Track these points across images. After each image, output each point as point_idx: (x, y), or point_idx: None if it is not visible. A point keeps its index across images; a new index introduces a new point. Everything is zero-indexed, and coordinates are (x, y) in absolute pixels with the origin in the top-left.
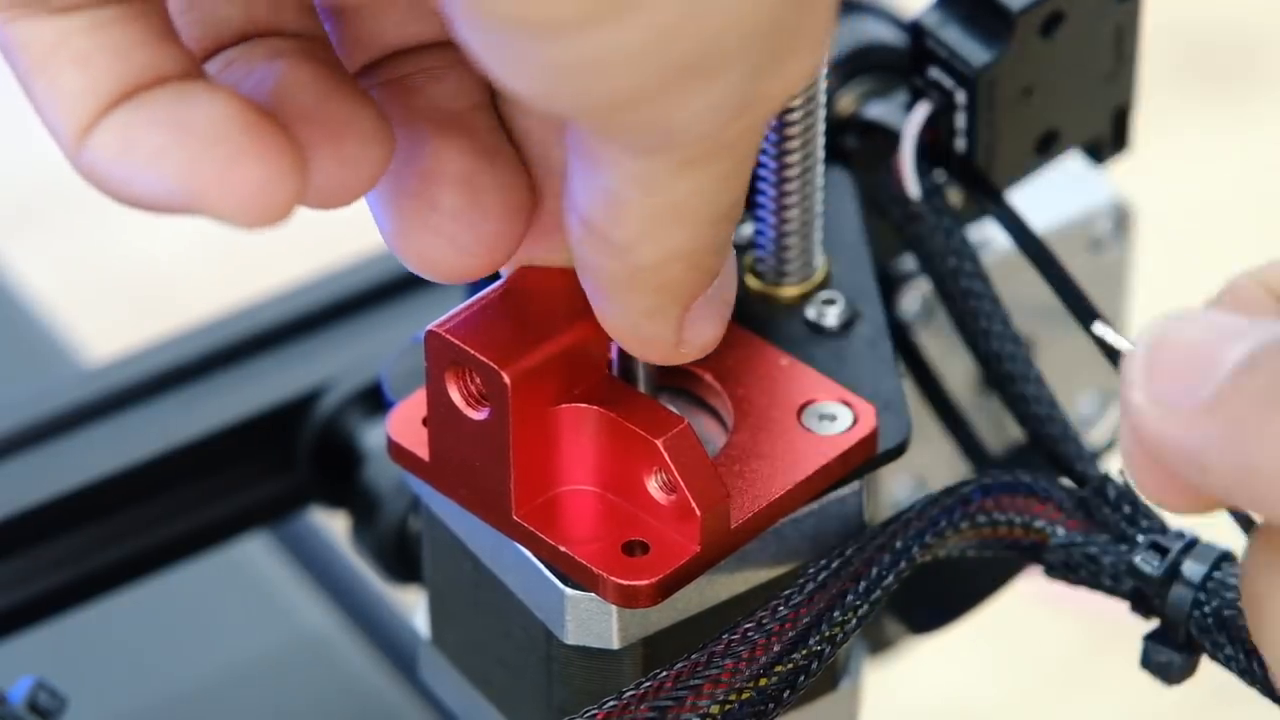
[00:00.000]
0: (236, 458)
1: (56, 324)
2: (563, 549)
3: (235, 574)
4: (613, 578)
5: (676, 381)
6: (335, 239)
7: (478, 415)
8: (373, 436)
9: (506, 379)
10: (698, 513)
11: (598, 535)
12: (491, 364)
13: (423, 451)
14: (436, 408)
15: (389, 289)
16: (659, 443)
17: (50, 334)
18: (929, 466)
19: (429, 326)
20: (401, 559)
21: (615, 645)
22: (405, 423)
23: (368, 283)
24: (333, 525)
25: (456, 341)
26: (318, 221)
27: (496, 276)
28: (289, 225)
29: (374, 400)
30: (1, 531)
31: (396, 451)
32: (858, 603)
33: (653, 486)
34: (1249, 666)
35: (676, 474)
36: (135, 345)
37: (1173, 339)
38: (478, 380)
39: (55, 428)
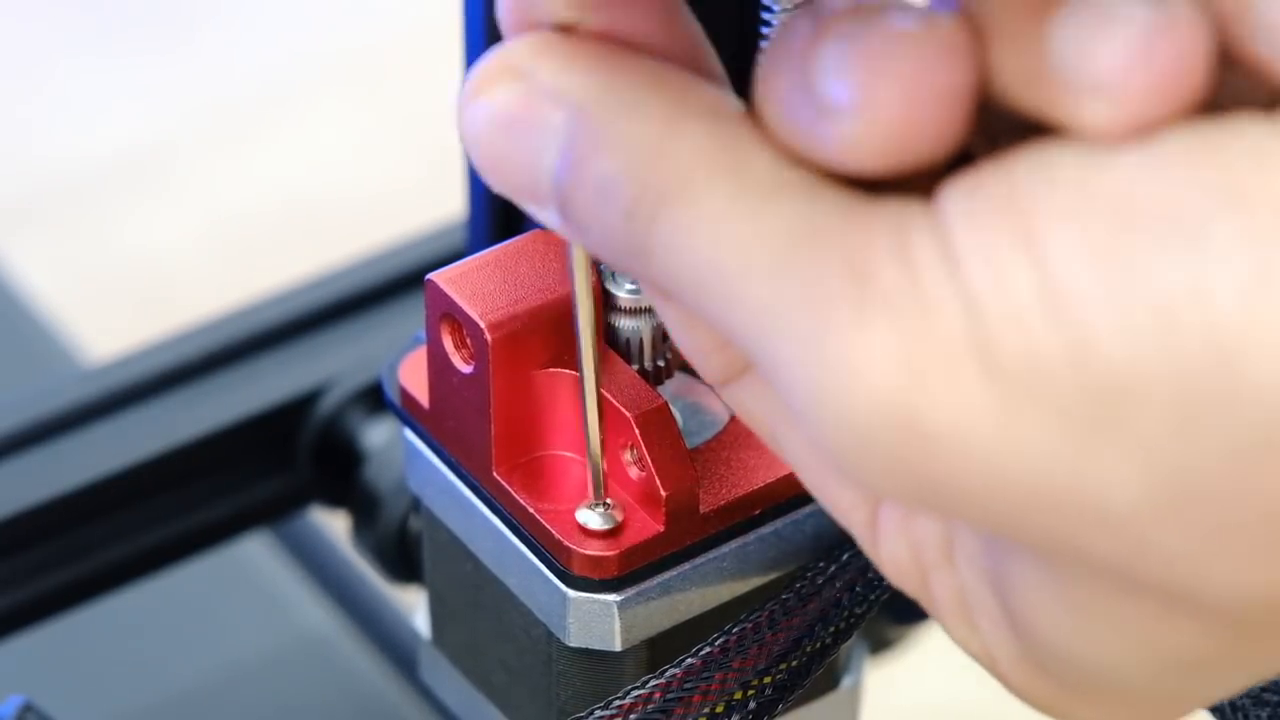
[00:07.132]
0: (236, 458)
1: (56, 324)
2: (531, 510)
3: (235, 574)
4: (568, 543)
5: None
6: (336, 239)
7: (466, 368)
8: (373, 436)
9: (488, 335)
10: (662, 492)
11: (570, 502)
12: (476, 318)
13: (425, 399)
14: (434, 356)
15: (389, 289)
16: (632, 416)
17: (50, 334)
18: None
19: (430, 275)
20: (402, 559)
21: (617, 647)
22: (415, 370)
23: (368, 283)
24: (333, 525)
25: (448, 292)
26: (317, 221)
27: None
28: (288, 224)
29: (374, 400)
30: (1, 531)
31: (403, 397)
32: (856, 605)
33: (627, 460)
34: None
35: (645, 451)
36: (135, 345)
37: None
38: (465, 333)
39: (55, 428)
